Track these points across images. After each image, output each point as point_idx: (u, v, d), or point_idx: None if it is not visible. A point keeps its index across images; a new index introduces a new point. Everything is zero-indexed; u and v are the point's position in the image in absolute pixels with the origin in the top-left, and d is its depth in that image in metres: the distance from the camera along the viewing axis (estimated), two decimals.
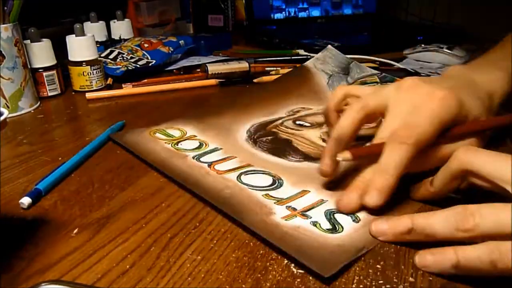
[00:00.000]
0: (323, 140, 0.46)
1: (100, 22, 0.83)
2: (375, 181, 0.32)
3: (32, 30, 0.60)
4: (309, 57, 0.69)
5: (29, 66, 0.58)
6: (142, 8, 0.99)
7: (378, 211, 0.33)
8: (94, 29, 0.80)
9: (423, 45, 0.79)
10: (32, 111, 0.57)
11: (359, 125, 0.36)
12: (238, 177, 0.38)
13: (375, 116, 0.37)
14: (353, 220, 0.32)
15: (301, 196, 0.35)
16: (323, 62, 0.63)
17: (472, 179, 0.29)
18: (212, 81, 0.67)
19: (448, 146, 0.34)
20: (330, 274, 0.26)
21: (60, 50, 0.64)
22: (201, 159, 0.41)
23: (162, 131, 0.48)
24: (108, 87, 0.66)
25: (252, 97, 0.58)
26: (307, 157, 0.42)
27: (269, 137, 0.47)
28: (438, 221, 0.27)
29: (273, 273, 0.27)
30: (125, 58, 0.73)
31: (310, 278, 0.27)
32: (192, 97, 0.63)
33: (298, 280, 0.26)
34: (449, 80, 0.38)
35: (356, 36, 1.02)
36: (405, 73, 0.67)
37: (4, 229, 0.32)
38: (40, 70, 0.61)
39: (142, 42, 0.77)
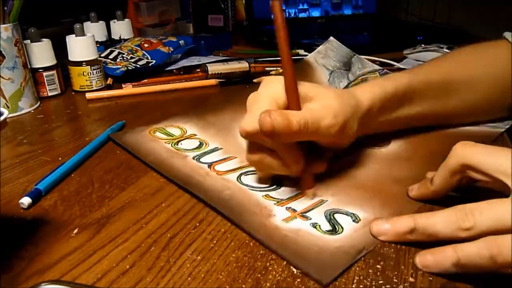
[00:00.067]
0: None
1: (100, 22, 0.83)
2: None
3: (32, 30, 0.60)
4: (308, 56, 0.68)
5: (29, 66, 0.58)
6: (142, 8, 0.99)
7: (378, 211, 0.33)
8: (94, 29, 0.80)
9: (423, 45, 0.79)
10: (32, 111, 0.57)
11: None
12: (238, 177, 0.38)
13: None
14: (353, 220, 0.32)
15: (301, 197, 0.35)
16: (324, 55, 0.63)
17: (471, 173, 0.29)
18: (212, 81, 0.67)
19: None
20: (329, 280, 0.26)
21: (60, 50, 0.64)
22: (201, 159, 0.41)
23: (162, 129, 0.48)
24: (108, 87, 0.66)
25: None
26: None
27: None
28: (440, 221, 0.27)
29: (273, 273, 0.27)
30: (125, 58, 0.73)
31: (310, 278, 0.27)
32: (192, 97, 0.63)
33: (298, 280, 0.26)
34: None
35: (356, 36, 1.02)
36: None
37: (4, 229, 0.32)
38: (40, 70, 0.61)
39: (142, 42, 0.77)
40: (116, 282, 0.26)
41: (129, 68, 0.69)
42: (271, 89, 0.35)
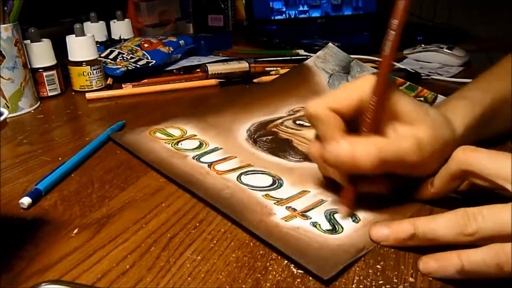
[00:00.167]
0: None
1: (100, 22, 0.83)
2: None
3: (32, 30, 0.60)
4: (309, 57, 0.69)
5: (29, 66, 0.58)
6: (142, 8, 0.99)
7: (378, 211, 0.33)
8: (94, 29, 0.80)
9: (423, 45, 0.79)
10: (32, 111, 0.57)
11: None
12: (238, 177, 0.38)
13: None
14: (353, 221, 0.32)
15: (301, 196, 0.35)
16: (323, 60, 0.63)
17: (472, 179, 0.29)
18: (212, 81, 0.67)
19: None
20: (330, 276, 0.26)
21: (60, 50, 0.64)
22: (201, 159, 0.41)
23: (162, 130, 0.48)
24: (108, 87, 0.66)
25: (252, 96, 0.58)
26: (307, 157, 0.42)
27: (269, 137, 0.47)
28: (441, 226, 0.27)
29: (273, 273, 0.27)
30: (125, 58, 0.73)
31: (310, 278, 0.27)
32: (192, 97, 0.63)
33: (298, 280, 0.26)
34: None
35: (356, 36, 1.02)
36: (405, 73, 0.67)
37: (4, 229, 0.32)
38: (40, 70, 0.61)
39: (142, 42, 0.77)
40: (116, 282, 0.26)
41: (129, 68, 0.69)
42: (363, 85, 0.31)
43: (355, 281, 0.26)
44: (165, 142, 0.45)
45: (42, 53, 0.61)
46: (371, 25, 1.13)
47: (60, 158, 0.43)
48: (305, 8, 1.08)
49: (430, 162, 0.32)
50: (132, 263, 0.28)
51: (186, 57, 0.81)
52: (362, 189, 0.32)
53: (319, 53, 0.65)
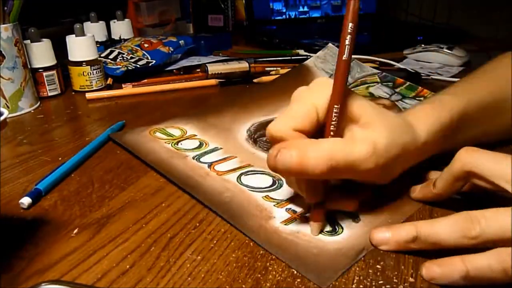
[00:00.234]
0: None
1: (100, 22, 0.83)
2: None
3: (32, 30, 0.60)
4: (309, 57, 0.69)
5: (29, 66, 0.58)
6: (142, 8, 0.99)
7: (378, 211, 0.33)
8: (94, 29, 0.80)
9: (423, 45, 0.79)
10: (32, 111, 0.57)
11: None
12: (238, 178, 0.38)
13: None
14: (353, 221, 0.32)
15: (301, 197, 0.35)
16: (323, 60, 0.63)
17: (475, 180, 0.29)
18: (212, 81, 0.67)
19: None
20: (328, 284, 0.26)
21: (60, 50, 0.64)
22: (201, 159, 0.41)
23: (162, 130, 0.48)
24: (108, 87, 0.66)
25: (252, 96, 0.58)
26: None
27: None
28: (443, 229, 0.26)
29: (273, 273, 0.27)
30: (125, 58, 0.73)
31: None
32: (192, 97, 0.63)
33: (298, 280, 0.26)
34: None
35: (356, 36, 1.01)
36: (405, 73, 0.67)
37: (4, 229, 0.32)
38: (40, 70, 0.61)
39: (142, 42, 0.77)
40: (116, 282, 0.26)
41: (129, 68, 0.69)
42: (317, 93, 0.30)
43: (355, 281, 0.26)
44: (165, 142, 0.45)
45: (42, 53, 0.61)
46: (371, 25, 1.13)
47: (60, 158, 0.43)
48: (305, 9, 1.08)
49: (387, 168, 0.31)
50: (132, 263, 0.28)
51: (186, 57, 0.81)
52: (328, 207, 0.31)
53: (319, 53, 0.65)
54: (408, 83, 0.59)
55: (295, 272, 0.27)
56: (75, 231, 0.31)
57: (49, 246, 0.30)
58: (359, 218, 0.32)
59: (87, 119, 0.55)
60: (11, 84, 0.55)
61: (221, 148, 0.44)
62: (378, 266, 0.28)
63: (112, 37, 0.86)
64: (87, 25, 0.80)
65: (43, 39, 0.61)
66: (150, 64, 0.72)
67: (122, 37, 0.85)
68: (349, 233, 0.31)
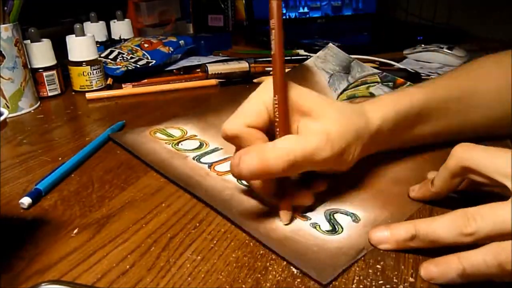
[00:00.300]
0: None
1: (100, 22, 0.83)
2: None
3: (32, 30, 0.60)
4: (309, 57, 0.69)
5: (29, 66, 0.58)
6: (142, 8, 0.99)
7: (378, 210, 0.33)
8: (94, 29, 0.80)
9: (423, 45, 0.79)
10: (32, 111, 0.57)
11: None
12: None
13: None
14: (353, 220, 0.32)
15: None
16: (323, 60, 0.63)
17: (472, 176, 0.29)
18: (212, 81, 0.67)
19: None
20: (329, 280, 0.26)
21: (60, 50, 0.64)
22: (202, 159, 0.41)
23: (163, 130, 0.48)
24: (108, 87, 0.66)
25: None
26: None
27: None
28: (441, 226, 0.26)
29: (273, 273, 0.27)
30: (125, 58, 0.73)
31: (310, 278, 0.27)
32: (192, 97, 0.63)
33: (298, 280, 0.26)
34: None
35: (356, 36, 1.02)
36: (405, 73, 0.67)
37: (4, 229, 0.32)
38: (40, 70, 0.61)
39: (142, 42, 0.77)
40: (116, 282, 0.26)
41: (129, 68, 0.69)
42: (264, 92, 0.31)
43: (355, 281, 0.26)
44: (166, 143, 0.45)
45: (42, 53, 0.61)
46: (371, 25, 1.13)
47: (60, 158, 0.43)
48: (305, 10, 1.08)
49: (343, 154, 0.32)
50: (132, 263, 0.28)
51: (186, 57, 0.81)
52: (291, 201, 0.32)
53: (319, 53, 0.65)
54: (408, 83, 0.59)
55: (295, 272, 0.27)
56: (75, 231, 0.31)
57: (49, 246, 0.30)
58: (359, 218, 0.32)
59: (87, 119, 0.55)
60: (11, 84, 0.55)
61: (221, 149, 0.44)
62: (378, 266, 0.28)
63: (112, 37, 0.86)
64: (87, 25, 0.80)
65: (43, 39, 0.61)
66: (150, 64, 0.72)
67: (122, 37, 0.85)
68: (349, 233, 0.31)
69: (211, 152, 0.43)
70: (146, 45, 0.76)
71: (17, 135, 0.49)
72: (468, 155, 0.29)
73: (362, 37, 1.03)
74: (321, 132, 0.30)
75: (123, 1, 0.98)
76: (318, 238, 0.30)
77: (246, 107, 0.32)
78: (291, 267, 0.27)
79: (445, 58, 0.76)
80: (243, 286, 0.26)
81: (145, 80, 0.67)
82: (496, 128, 0.43)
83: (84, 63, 0.63)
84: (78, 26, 0.63)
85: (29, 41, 0.60)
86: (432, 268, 0.26)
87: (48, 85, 0.62)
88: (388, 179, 0.38)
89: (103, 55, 0.73)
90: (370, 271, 0.27)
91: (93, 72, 0.64)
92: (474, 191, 0.32)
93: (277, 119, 0.31)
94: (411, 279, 0.26)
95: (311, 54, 0.72)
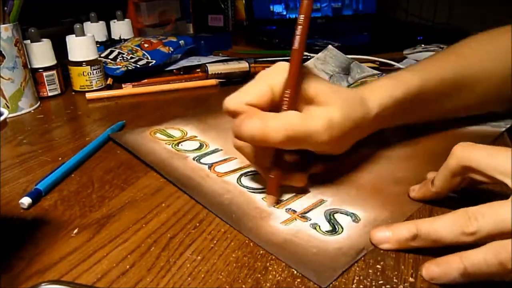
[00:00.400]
0: None
1: (100, 22, 0.83)
2: None
3: (32, 30, 0.60)
4: (309, 57, 0.69)
5: (29, 66, 0.58)
6: (142, 8, 0.99)
7: (378, 210, 0.33)
8: (94, 29, 0.80)
9: (423, 45, 0.79)
10: (32, 111, 0.57)
11: None
12: (238, 179, 0.38)
13: None
14: (353, 220, 0.32)
15: (301, 197, 0.35)
16: (323, 62, 0.63)
17: (472, 175, 0.29)
18: (212, 81, 0.67)
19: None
20: (329, 283, 0.26)
21: (60, 50, 0.64)
22: (202, 160, 0.41)
23: (163, 131, 0.48)
24: (108, 87, 0.66)
25: None
26: None
27: None
28: (442, 226, 0.26)
29: (273, 273, 0.27)
30: (125, 58, 0.73)
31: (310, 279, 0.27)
32: (192, 97, 0.63)
33: (298, 280, 0.26)
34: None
35: (356, 36, 1.02)
36: None
37: (4, 229, 0.32)
38: (40, 70, 0.61)
39: (142, 42, 0.77)
40: (116, 282, 0.26)
41: (129, 68, 0.69)
42: (273, 75, 0.33)
43: (355, 281, 0.26)
44: (166, 143, 0.45)
45: (42, 53, 0.61)
46: (371, 25, 1.13)
47: (60, 158, 0.43)
48: None
49: (340, 140, 0.33)
50: (132, 263, 0.28)
51: (186, 57, 0.81)
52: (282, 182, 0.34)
53: (319, 55, 0.65)
54: None
55: (295, 272, 0.27)
56: (75, 231, 0.31)
57: (49, 246, 0.30)
58: (359, 218, 0.32)
59: (87, 119, 0.55)
60: (11, 84, 0.55)
61: (221, 149, 0.44)
62: (378, 266, 0.28)
63: (112, 37, 0.86)
64: (87, 25, 0.80)
65: (43, 39, 0.61)
66: (150, 64, 0.72)
67: (122, 37, 0.85)
68: (349, 233, 0.31)
69: (211, 153, 0.43)
70: (146, 45, 0.76)
71: (17, 135, 0.49)
72: (468, 154, 0.29)
73: (362, 37, 1.03)
74: (324, 118, 0.32)
75: (123, 1, 0.98)
76: (318, 240, 0.30)
77: (251, 85, 0.33)
78: (291, 267, 0.27)
79: None
80: (243, 286, 0.26)
81: (145, 80, 0.67)
82: (490, 105, 0.44)
83: (84, 63, 0.63)
84: (78, 26, 0.63)
85: (29, 41, 0.60)
86: (433, 268, 0.26)
87: (48, 85, 0.62)
88: (388, 179, 0.38)
89: (103, 55, 0.73)
90: (370, 271, 0.27)
91: (93, 72, 0.64)
92: (473, 189, 0.32)
93: (285, 107, 0.32)
94: (411, 279, 0.26)
95: (311, 54, 0.72)
